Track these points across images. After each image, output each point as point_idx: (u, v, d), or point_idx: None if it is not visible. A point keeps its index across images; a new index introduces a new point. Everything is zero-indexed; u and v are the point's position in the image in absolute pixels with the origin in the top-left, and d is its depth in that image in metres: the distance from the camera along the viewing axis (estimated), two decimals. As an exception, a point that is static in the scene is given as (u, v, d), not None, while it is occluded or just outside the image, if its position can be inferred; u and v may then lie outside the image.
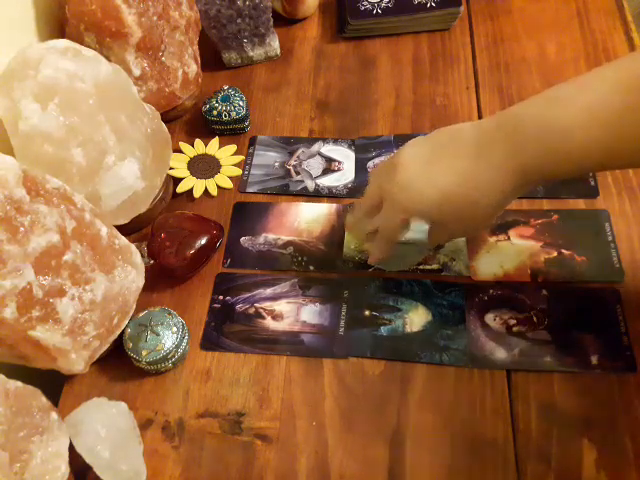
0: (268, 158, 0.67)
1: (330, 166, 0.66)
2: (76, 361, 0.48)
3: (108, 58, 0.58)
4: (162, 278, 0.58)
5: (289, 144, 0.68)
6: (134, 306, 0.53)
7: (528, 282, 0.54)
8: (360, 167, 0.65)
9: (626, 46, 0.69)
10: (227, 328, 0.56)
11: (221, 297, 0.57)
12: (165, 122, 0.62)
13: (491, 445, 0.47)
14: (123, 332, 0.53)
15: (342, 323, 0.54)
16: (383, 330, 0.53)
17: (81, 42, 0.59)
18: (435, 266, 0.56)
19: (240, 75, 0.75)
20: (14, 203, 0.42)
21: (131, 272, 0.52)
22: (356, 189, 0.63)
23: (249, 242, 0.61)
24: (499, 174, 0.42)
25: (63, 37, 0.55)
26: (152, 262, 0.57)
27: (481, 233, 0.58)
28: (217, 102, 0.68)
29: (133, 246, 0.54)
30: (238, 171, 0.66)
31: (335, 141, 0.68)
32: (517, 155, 0.41)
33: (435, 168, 0.45)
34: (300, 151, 0.67)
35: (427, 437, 0.48)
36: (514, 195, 0.45)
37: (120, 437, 0.47)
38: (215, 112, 0.67)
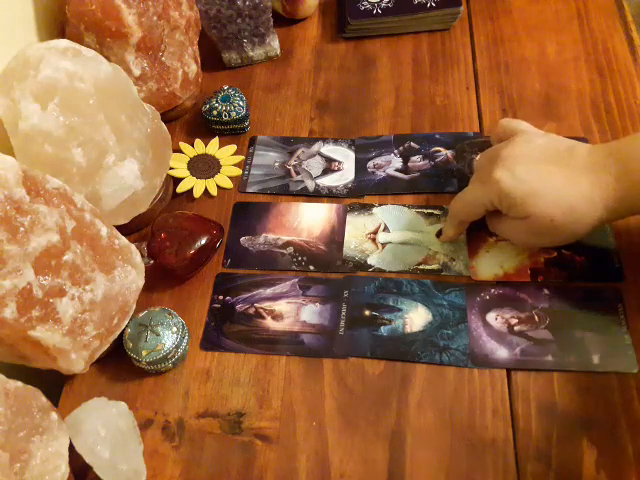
0: (268, 158, 0.67)
1: (330, 166, 0.66)
2: (76, 361, 0.48)
3: (108, 58, 0.58)
4: (162, 278, 0.58)
5: (289, 144, 0.68)
6: (134, 306, 0.53)
7: (529, 281, 0.54)
8: (360, 167, 0.65)
9: (626, 46, 0.69)
10: (227, 328, 0.56)
11: (221, 297, 0.57)
12: (165, 122, 0.62)
13: (491, 445, 0.47)
14: (123, 332, 0.53)
15: (342, 323, 0.54)
16: (383, 330, 0.53)
17: (81, 42, 0.59)
18: (435, 266, 0.56)
19: (240, 75, 0.75)
20: (14, 203, 0.42)
21: (131, 272, 0.52)
22: (356, 189, 0.63)
23: (249, 242, 0.61)
24: (604, 195, 0.45)
25: (63, 37, 0.55)
26: (152, 262, 0.57)
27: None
28: (217, 102, 0.68)
29: (133, 246, 0.54)
30: (238, 171, 0.66)
31: (335, 141, 0.68)
32: (620, 181, 0.45)
33: (553, 173, 0.47)
34: (300, 151, 0.67)
35: (427, 437, 0.48)
36: (609, 220, 0.48)
37: (120, 437, 0.47)
38: (215, 112, 0.67)
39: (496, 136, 0.55)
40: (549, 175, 0.47)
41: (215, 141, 0.68)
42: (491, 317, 0.53)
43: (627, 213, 0.47)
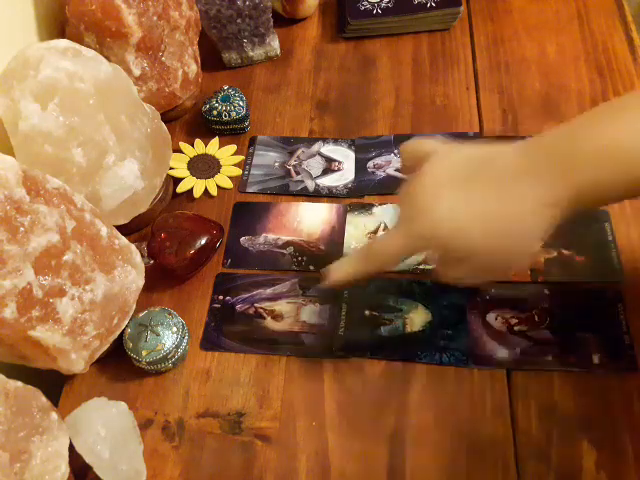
0: (268, 158, 0.67)
1: (330, 166, 0.66)
2: (76, 361, 0.48)
3: (108, 58, 0.58)
4: (162, 278, 0.58)
5: (289, 144, 0.68)
6: (134, 306, 0.53)
7: (529, 281, 0.54)
8: (360, 167, 0.65)
9: (626, 46, 0.69)
10: (227, 328, 0.56)
11: (221, 297, 0.57)
12: (165, 122, 0.62)
13: (491, 445, 0.47)
14: (123, 332, 0.53)
15: (342, 323, 0.54)
16: (383, 330, 0.53)
17: (81, 42, 0.59)
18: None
19: (240, 75, 0.75)
20: (14, 203, 0.42)
21: (131, 272, 0.52)
22: (356, 189, 0.63)
23: (249, 242, 0.61)
24: (544, 197, 0.38)
25: (63, 37, 0.55)
26: (152, 262, 0.57)
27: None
28: (217, 102, 0.68)
29: (133, 246, 0.54)
30: (238, 171, 0.66)
31: (335, 141, 0.68)
32: (568, 177, 0.37)
33: (473, 197, 0.40)
34: (300, 151, 0.67)
35: (427, 437, 0.48)
36: (559, 223, 0.40)
37: (120, 437, 0.47)
38: (215, 112, 0.67)
39: (406, 163, 0.48)
40: (474, 199, 0.39)
41: (215, 141, 0.68)
42: (491, 317, 0.53)
43: (592, 205, 0.41)
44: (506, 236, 0.40)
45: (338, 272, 0.47)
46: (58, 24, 0.66)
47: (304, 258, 0.59)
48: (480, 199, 0.40)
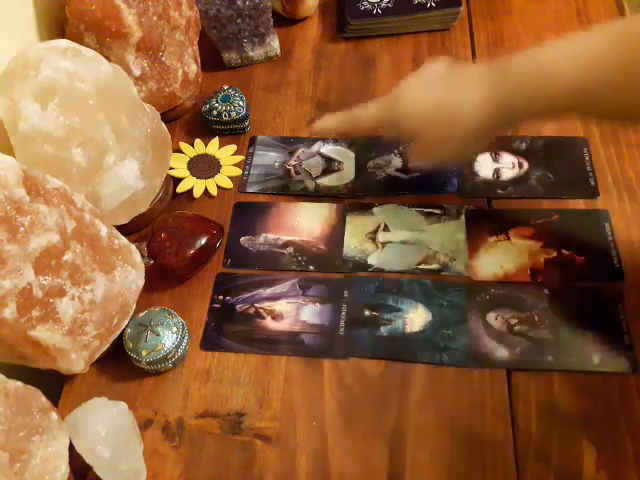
0: (268, 158, 0.67)
1: (330, 166, 0.66)
2: (76, 361, 0.48)
3: (108, 58, 0.58)
4: (162, 278, 0.58)
5: (289, 144, 0.68)
6: (134, 306, 0.53)
7: (529, 281, 0.54)
8: (360, 167, 0.65)
9: (626, 46, 0.69)
10: (227, 328, 0.56)
11: (221, 297, 0.57)
12: (165, 122, 0.62)
13: (491, 445, 0.47)
14: (123, 332, 0.53)
15: (342, 323, 0.54)
16: (383, 330, 0.53)
17: (81, 42, 0.59)
18: (435, 266, 0.56)
19: (240, 75, 0.75)
20: (14, 203, 0.42)
21: (131, 272, 0.52)
22: (356, 189, 0.63)
23: (249, 242, 0.61)
24: (479, 96, 0.48)
25: (63, 37, 0.55)
26: (152, 262, 0.57)
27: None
28: (217, 102, 0.68)
29: (133, 246, 0.54)
30: (238, 171, 0.66)
31: (335, 141, 0.68)
32: (498, 85, 0.48)
33: (428, 89, 0.53)
34: (300, 151, 0.67)
35: (427, 437, 0.48)
36: (491, 126, 0.50)
37: (120, 437, 0.47)
38: (215, 112, 0.67)
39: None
40: (430, 89, 0.52)
41: (215, 141, 0.68)
42: (491, 317, 0.53)
43: (505, 120, 0.50)
44: (447, 117, 0.50)
45: (323, 122, 0.60)
46: (58, 24, 0.66)
47: (304, 258, 0.59)
48: (434, 89, 0.52)
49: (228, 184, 0.65)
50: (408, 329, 0.53)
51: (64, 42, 0.53)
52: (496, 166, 0.62)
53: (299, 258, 0.59)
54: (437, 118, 0.51)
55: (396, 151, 0.65)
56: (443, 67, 0.53)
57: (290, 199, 0.64)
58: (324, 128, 0.60)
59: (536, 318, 0.52)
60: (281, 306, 0.56)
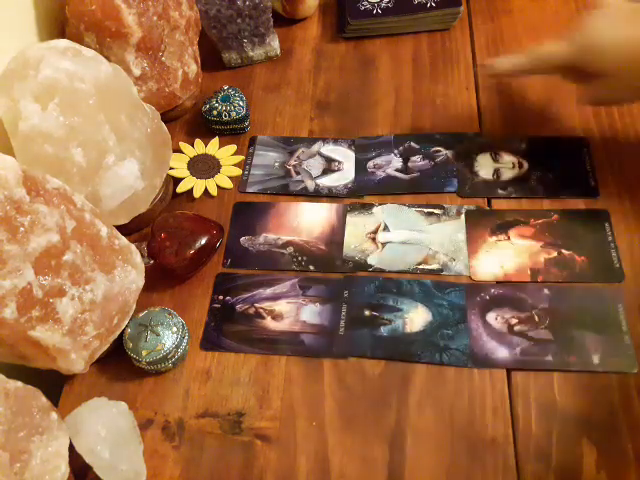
0: (268, 158, 0.67)
1: (330, 166, 0.66)
2: (76, 361, 0.48)
3: (108, 58, 0.58)
4: (162, 278, 0.58)
5: (289, 144, 0.68)
6: (134, 306, 0.53)
7: (529, 281, 0.54)
8: (360, 167, 0.65)
9: (626, 46, 0.69)
10: (227, 328, 0.56)
11: (221, 297, 0.57)
12: (165, 122, 0.62)
13: (491, 445, 0.47)
14: (123, 332, 0.53)
15: (342, 323, 0.54)
16: (383, 330, 0.53)
17: (81, 42, 0.59)
18: (435, 266, 0.56)
19: (240, 75, 0.75)
20: (14, 203, 0.42)
21: (131, 272, 0.52)
22: (356, 189, 0.63)
23: (249, 242, 0.61)
24: None
25: (63, 37, 0.55)
26: (152, 262, 0.57)
27: None
28: (217, 102, 0.68)
29: (133, 246, 0.54)
30: (238, 171, 0.66)
31: (335, 141, 0.68)
32: None
33: (618, 26, 0.51)
34: (300, 151, 0.67)
35: (427, 437, 0.48)
36: None
37: (120, 437, 0.47)
38: (215, 112, 0.67)
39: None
40: (620, 25, 0.51)
41: (215, 141, 0.68)
42: (491, 317, 0.53)
43: None
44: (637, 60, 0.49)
45: (504, 63, 0.58)
46: (58, 24, 0.66)
47: (304, 258, 0.59)
48: (625, 27, 0.51)
49: (228, 184, 0.65)
50: (408, 329, 0.53)
51: (64, 42, 0.53)
52: (496, 166, 0.62)
53: (299, 258, 0.59)
54: (636, 54, 0.50)
55: (396, 151, 0.65)
56: (627, 4, 0.52)
57: (290, 199, 0.64)
58: (501, 66, 0.58)
59: (536, 318, 0.52)
60: (281, 306, 0.56)
